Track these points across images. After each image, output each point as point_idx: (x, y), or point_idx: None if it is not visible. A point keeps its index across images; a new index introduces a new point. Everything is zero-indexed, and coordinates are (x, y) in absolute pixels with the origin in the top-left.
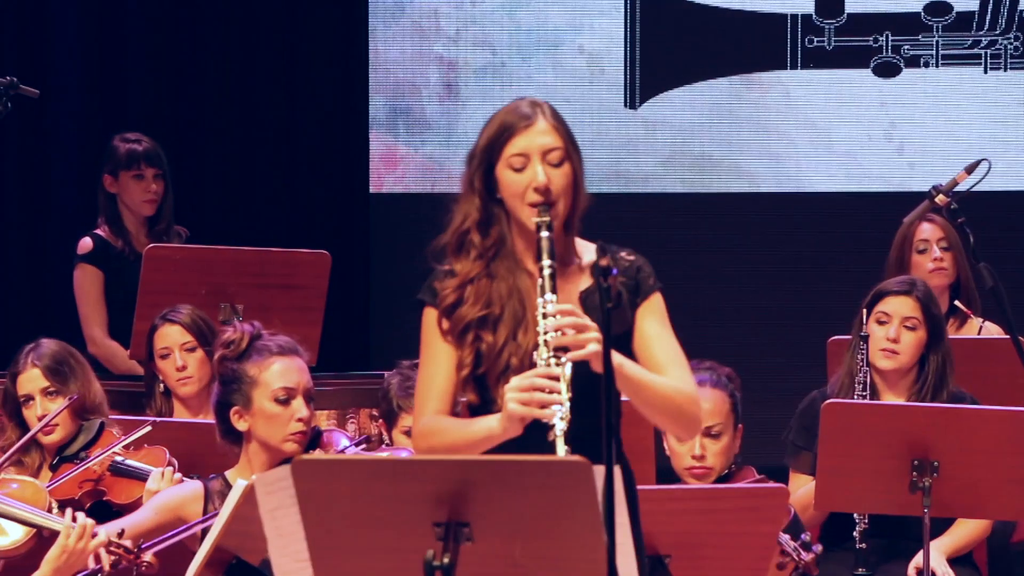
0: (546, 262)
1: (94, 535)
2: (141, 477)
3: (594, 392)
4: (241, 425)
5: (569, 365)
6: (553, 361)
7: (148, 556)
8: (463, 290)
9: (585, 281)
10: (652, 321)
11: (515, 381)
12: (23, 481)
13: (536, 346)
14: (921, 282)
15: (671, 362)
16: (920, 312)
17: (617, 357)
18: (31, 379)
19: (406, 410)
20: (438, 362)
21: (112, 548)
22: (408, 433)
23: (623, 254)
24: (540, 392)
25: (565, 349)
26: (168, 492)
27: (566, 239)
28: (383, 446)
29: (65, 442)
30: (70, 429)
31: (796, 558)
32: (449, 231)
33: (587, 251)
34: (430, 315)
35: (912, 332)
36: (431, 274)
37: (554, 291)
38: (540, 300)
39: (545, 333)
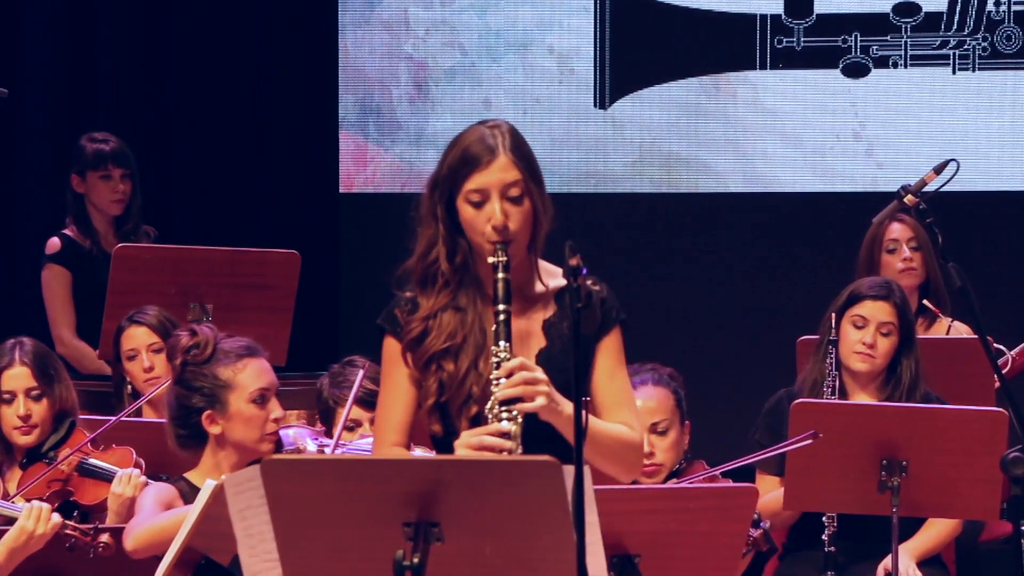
0: (501, 307)
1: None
2: (108, 478)
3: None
4: (214, 429)
5: (520, 421)
6: (504, 415)
7: (105, 537)
8: (427, 323)
9: (550, 309)
10: (609, 357)
11: (464, 437)
12: None
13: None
14: (897, 286)
15: (620, 403)
16: (896, 318)
17: (566, 407)
18: (17, 376)
19: (341, 404)
20: (397, 394)
21: (68, 531)
22: (350, 429)
23: (589, 282)
24: (489, 452)
25: (515, 400)
26: (157, 491)
27: (529, 264)
28: (345, 445)
29: (39, 442)
30: (47, 430)
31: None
32: (414, 259)
33: (553, 276)
34: (391, 345)
35: (887, 338)
36: (392, 300)
37: (508, 338)
38: (494, 348)
39: (495, 385)
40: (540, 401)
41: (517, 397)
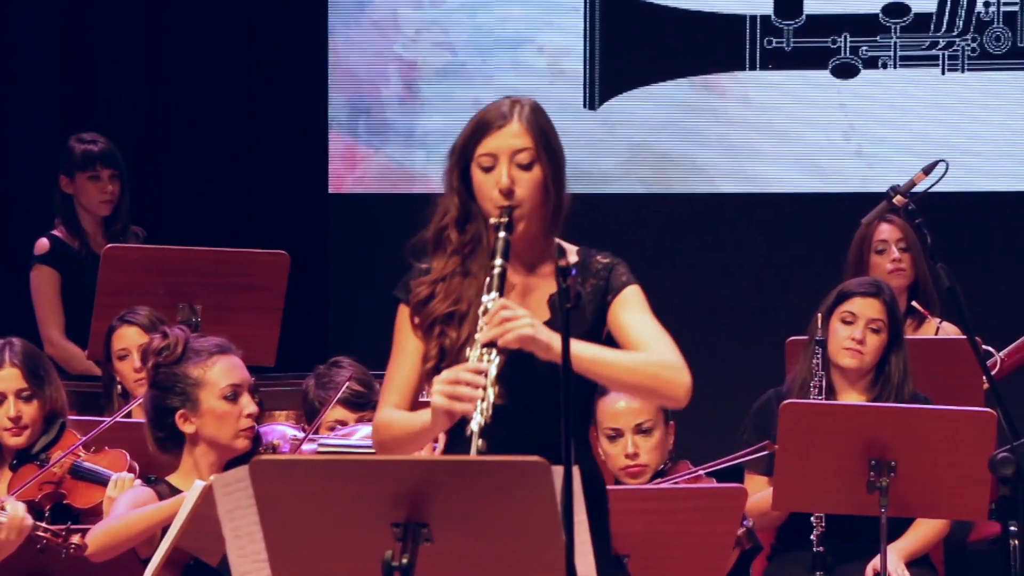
0: (497, 261)
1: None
2: (101, 481)
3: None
4: (188, 428)
5: (496, 361)
6: (486, 357)
7: (76, 539)
8: (435, 286)
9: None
10: (627, 311)
11: (443, 374)
12: None
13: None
14: (886, 285)
15: (649, 339)
16: (885, 315)
17: (557, 342)
18: (7, 378)
19: (327, 405)
20: (404, 358)
21: (40, 532)
22: (332, 429)
23: (599, 257)
24: (463, 386)
25: (495, 344)
26: (131, 495)
27: (544, 241)
28: (317, 438)
29: (29, 444)
30: (37, 432)
31: None
32: (430, 226)
33: (569, 254)
34: (403, 311)
35: (876, 335)
36: (409, 271)
37: (500, 290)
38: (484, 298)
39: (480, 330)
40: (524, 331)
41: (494, 340)
